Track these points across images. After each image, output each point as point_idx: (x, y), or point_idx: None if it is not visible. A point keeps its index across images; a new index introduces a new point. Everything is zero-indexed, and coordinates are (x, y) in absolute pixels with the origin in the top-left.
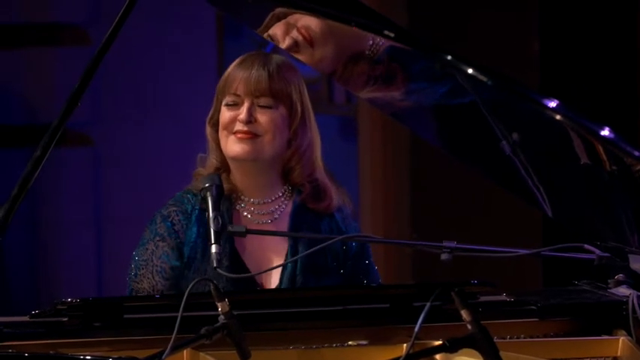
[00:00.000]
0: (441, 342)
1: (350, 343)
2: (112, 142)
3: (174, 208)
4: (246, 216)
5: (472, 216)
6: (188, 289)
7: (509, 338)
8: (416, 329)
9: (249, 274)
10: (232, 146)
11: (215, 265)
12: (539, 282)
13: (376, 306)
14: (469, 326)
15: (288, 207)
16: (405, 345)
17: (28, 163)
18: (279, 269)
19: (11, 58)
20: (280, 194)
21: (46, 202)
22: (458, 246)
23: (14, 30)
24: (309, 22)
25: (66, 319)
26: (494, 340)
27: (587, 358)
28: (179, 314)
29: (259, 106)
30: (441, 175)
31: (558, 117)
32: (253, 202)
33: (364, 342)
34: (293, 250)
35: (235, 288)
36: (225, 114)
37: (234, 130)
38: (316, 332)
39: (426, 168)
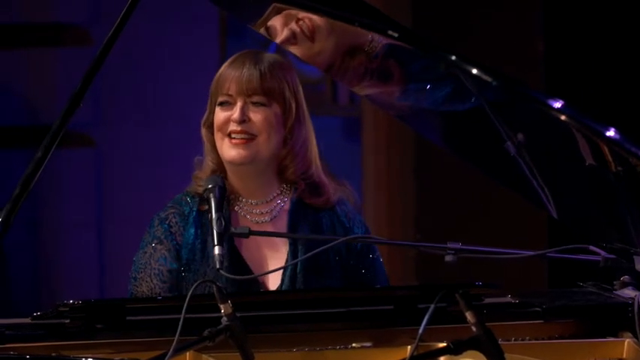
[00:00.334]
0: (445, 344)
1: (354, 345)
2: (113, 143)
3: (172, 211)
4: (244, 216)
5: (476, 217)
6: (190, 290)
7: (514, 340)
8: (420, 331)
9: (251, 276)
10: (228, 151)
11: (218, 266)
12: (544, 283)
13: (380, 308)
14: (474, 328)
15: (286, 204)
16: (409, 347)
17: (29, 163)
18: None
19: (12, 58)
20: (278, 192)
21: (47, 203)
22: (462, 247)
23: (15, 30)
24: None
25: (68, 320)
26: (499, 342)
27: None
28: (182, 316)
29: (252, 104)
30: (446, 176)
31: (563, 117)
32: (251, 203)
33: (368, 344)
34: (293, 248)
35: (236, 288)
36: (219, 115)
37: (229, 131)
38: (320, 334)
39: (431, 169)
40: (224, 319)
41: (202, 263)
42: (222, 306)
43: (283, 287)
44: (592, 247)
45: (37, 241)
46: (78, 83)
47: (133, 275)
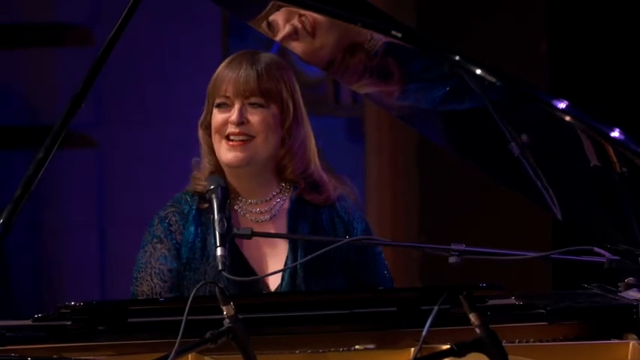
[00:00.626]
0: (449, 346)
1: (357, 347)
2: (115, 143)
3: (172, 209)
4: (243, 215)
5: (480, 218)
6: (193, 292)
7: (518, 342)
8: (424, 333)
9: (253, 278)
10: (226, 154)
11: (220, 267)
12: (549, 285)
13: (383, 309)
14: (477, 330)
15: (285, 203)
16: (412, 349)
17: (30, 164)
18: (280, 265)
19: (13, 58)
20: (277, 191)
21: (49, 205)
22: (466, 249)
23: (16, 30)
24: None
25: (69, 322)
26: (503, 344)
27: None
28: (184, 318)
29: (250, 106)
30: (449, 177)
31: (568, 118)
32: (250, 202)
33: (371, 346)
34: (292, 245)
35: (238, 287)
36: (217, 116)
37: (227, 133)
38: (323, 336)
39: (434, 170)
40: (226, 321)
41: (203, 262)
42: (224, 308)
43: (284, 284)
44: (596, 249)
45: (39, 242)
46: (79, 83)
47: (134, 275)
